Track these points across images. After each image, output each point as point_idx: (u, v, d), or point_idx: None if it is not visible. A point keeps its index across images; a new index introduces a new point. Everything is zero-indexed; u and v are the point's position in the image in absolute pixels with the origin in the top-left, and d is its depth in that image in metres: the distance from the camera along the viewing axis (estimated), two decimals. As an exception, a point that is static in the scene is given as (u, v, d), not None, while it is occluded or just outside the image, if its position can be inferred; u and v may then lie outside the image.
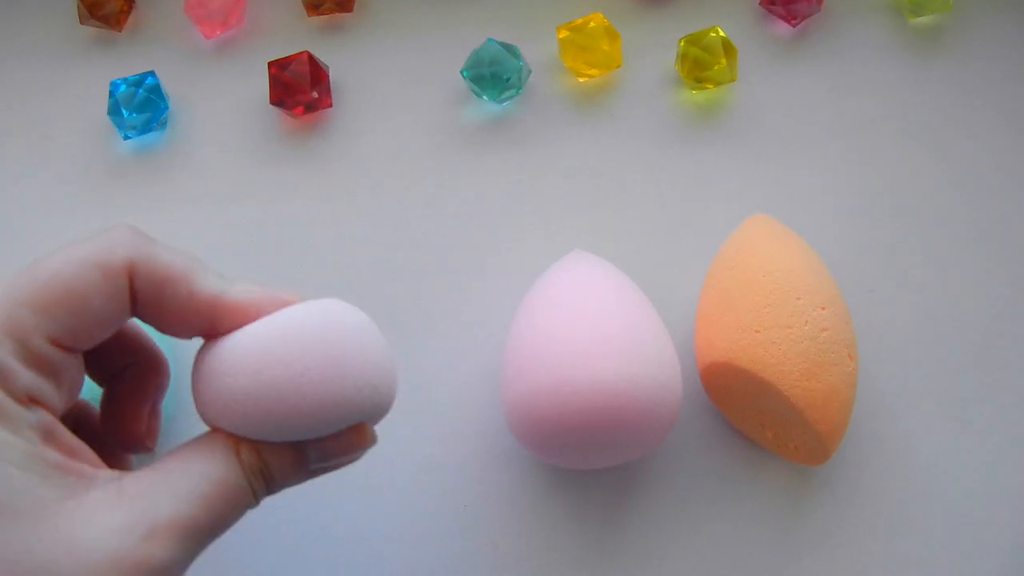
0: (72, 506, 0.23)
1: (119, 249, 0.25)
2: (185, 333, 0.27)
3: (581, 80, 0.43)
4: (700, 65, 0.41)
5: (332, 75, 0.42)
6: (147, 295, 0.26)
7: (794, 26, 0.43)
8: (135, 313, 0.26)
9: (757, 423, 0.36)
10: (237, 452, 0.26)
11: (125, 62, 0.43)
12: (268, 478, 0.26)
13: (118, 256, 0.25)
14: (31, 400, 0.24)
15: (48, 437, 0.24)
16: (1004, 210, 0.41)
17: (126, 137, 0.42)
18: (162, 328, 0.27)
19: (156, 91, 0.41)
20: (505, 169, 0.42)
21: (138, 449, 0.30)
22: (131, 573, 0.23)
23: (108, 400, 0.29)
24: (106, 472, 0.25)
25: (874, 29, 0.43)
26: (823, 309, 0.34)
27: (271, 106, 0.42)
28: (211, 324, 0.27)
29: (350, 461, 0.28)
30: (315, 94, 0.41)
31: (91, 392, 0.30)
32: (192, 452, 0.26)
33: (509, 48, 0.41)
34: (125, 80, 0.41)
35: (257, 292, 0.27)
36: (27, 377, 0.24)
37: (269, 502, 0.38)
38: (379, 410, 0.28)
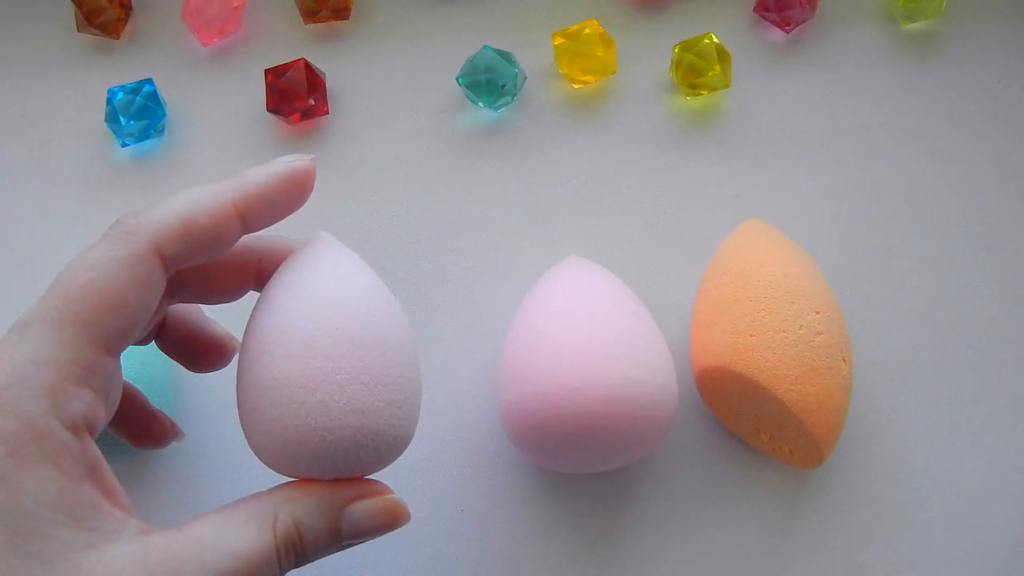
0: (94, 559, 0.23)
1: (141, 232, 0.25)
2: (236, 289, 0.28)
3: (576, 86, 0.43)
4: (694, 71, 0.41)
5: (328, 82, 0.42)
6: (184, 259, 0.25)
7: (788, 32, 0.43)
8: (179, 289, 0.26)
9: (752, 427, 0.36)
10: (274, 523, 0.25)
11: (123, 69, 0.44)
12: (299, 552, 0.26)
13: (142, 239, 0.24)
14: (83, 426, 0.23)
15: (90, 473, 0.23)
16: (998, 214, 0.41)
17: (124, 144, 0.42)
18: (212, 293, 0.28)
19: (153, 98, 0.42)
20: (501, 175, 0.42)
21: (169, 442, 0.30)
22: None
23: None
24: (135, 524, 0.24)
25: (867, 35, 0.43)
26: (818, 313, 0.34)
27: (268, 113, 0.42)
28: (257, 272, 0.27)
29: (380, 534, 0.27)
30: (311, 101, 0.41)
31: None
32: (227, 520, 0.25)
33: (505, 55, 0.41)
34: (123, 87, 0.41)
35: (282, 239, 0.28)
36: (80, 400, 0.23)
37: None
38: (406, 427, 0.27)
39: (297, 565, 0.26)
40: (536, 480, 0.38)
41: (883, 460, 0.38)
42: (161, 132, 0.42)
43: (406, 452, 0.38)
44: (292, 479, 0.27)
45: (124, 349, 0.25)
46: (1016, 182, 0.41)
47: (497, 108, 0.42)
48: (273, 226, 0.28)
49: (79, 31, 0.43)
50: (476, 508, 0.38)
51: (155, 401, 0.36)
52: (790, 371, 0.33)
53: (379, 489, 0.27)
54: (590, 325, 0.33)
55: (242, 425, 0.27)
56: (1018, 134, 0.42)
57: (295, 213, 0.43)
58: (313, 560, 0.26)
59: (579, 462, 0.34)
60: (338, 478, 0.27)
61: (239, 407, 0.27)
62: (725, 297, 0.35)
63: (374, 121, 0.43)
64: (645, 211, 0.41)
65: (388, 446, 0.27)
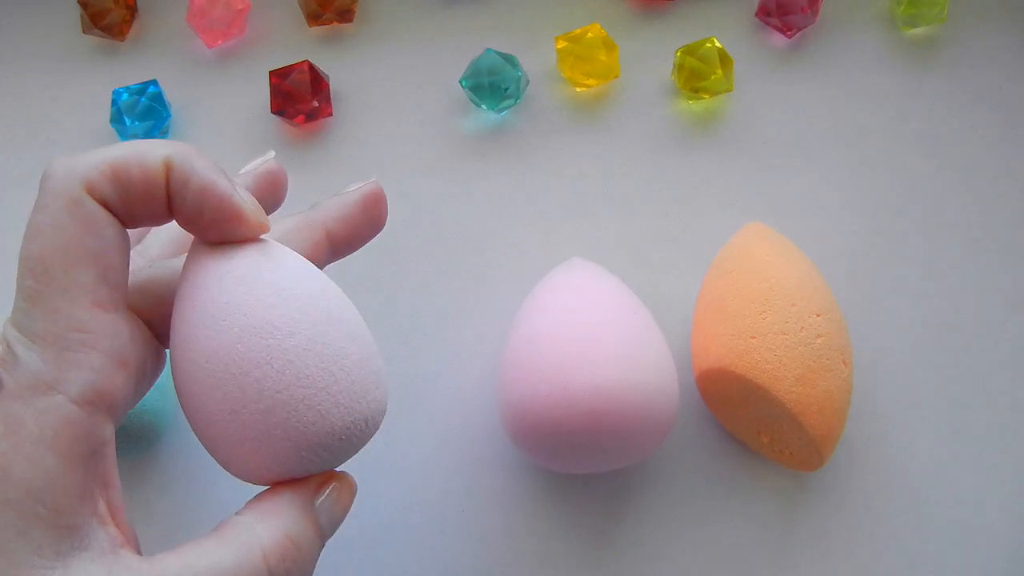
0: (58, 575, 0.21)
1: (71, 176, 0.23)
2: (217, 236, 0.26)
3: (579, 90, 0.43)
4: (696, 75, 0.41)
5: (332, 84, 0.43)
6: (118, 200, 0.24)
7: (789, 37, 0.43)
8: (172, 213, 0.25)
9: (753, 429, 0.36)
10: (260, 544, 0.24)
11: (128, 71, 0.44)
12: (300, 566, 0.25)
13: (73, 183, 0.23)
14: (95, 396, 0.22)
15: (90, 455, 0.22)
16: (999, 218, 0.41)
17: (128, 145, 0.42)
18: (200, 232, 0.25)
19: (158, 99, 0.42)
20: (503, 177, 0.42)
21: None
22: None
23: None
24: (109, 532, 0.23)
25: (869, 40, 0.44)
26: (818, 315, 0.34)
27: (272, 115, 0.42)
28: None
29: (346, 514, 0.27)
30: (315, 103, 0.41)
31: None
32: (201, 551, 0.23)
33: (508, 58, 0.41)
34: (128, 88, 0.42)
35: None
36: (86, 367, 0.22)
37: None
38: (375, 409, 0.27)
39: (300, 571, 0.25)
40: (537, 481, 0.38)
41: (883, 462, 0.38)
42: (165, 133, 0.43)
43: (407, 451, 0.38)
44: (263, 487, 0.26)
45: (120, 299, 0.24)
46: (1017, 186, 0.41)
47: (500, 111, 0.42)
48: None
49: (84, 32, 0.44)
50: (477, 508, 0.38)
51: (154, 397, 0.36)
52: (790, 373, 0.33)
53: (321, 477, 0.26)
54: (591, 326, 0.33)
55: (203, 442, 0.25)
56: (1019, 139, 0.42)
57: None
58: (311, 570, 0.25)
59: (580, 463, 0.35)
60: (311, 473, 0.26)
61: (193, 423, 0.25)
62: (726, 299, 0.35)
63: (377, 123, 0.43)
64: (647, 213, 0.41)
65: (355, 433, 0.26)
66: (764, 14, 0.43)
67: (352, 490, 0.27)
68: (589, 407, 0.32)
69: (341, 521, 0.27)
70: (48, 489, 0.21)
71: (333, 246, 0.27)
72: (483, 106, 0.42)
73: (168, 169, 0.24)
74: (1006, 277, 0.40)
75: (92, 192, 0.23)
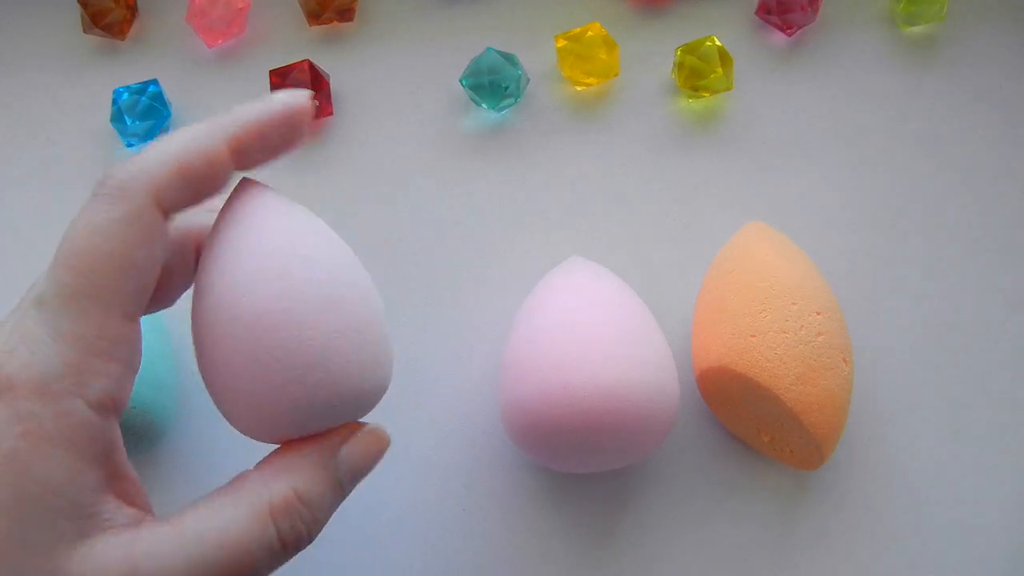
0: (83, 552, 0.22)
1: (135, 186, 0.23)
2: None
3: (579, 89, 0.43)
4: (696, 74, 0.41)
5: (332, 83, 0.43)
6: (182, 206, 0.24)
7: (789, 35, 0.43)
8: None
9: (753, 427, 0.36)
10: (269, 502, 0.24)
11: (128, 70, 0.44)
12: (309, 519, 0.24)
13: (138, 193, 0.23)
14: (109, 403, 0.23)
15: (104, 455, 0.23)
16: (999, 217, 0.41)
17: (129, 145, 0.42)
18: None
19: (159, 99, 0.42)
20: (503, 176, 0.42)
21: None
22: None
23: None
24: (129, 513, 0.23)
25: (868, 39, 0.44)
26: (818, 314, 0.34)
27: (272, 114, 0.42)
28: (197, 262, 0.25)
29: (374, 466, 0.27)
30: (316, 102, 0.41)
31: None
32: (215, 508, 0.24)
33: (508, 57, 0.41)
34: (128, 88, 0.42)
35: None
36: (106, 376, 0.23)
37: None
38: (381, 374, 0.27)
39: (310, 534, 0.25)
40: (537, 480, 0.38)
41: (883, 461, 0.38)
42: (166, 132, 0.43)
43: (407, 450, 0.38)
44: (274, 446, 0.26)
45: (143, 312, 0.24)
46: (1017, 185, 0.41)
47: (500, 110, 0.42)
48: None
49: (85, 32, 0.44)
50: (477, 507, 0.38)
51: (156, 396, 0.36)
52: (791, 371, 0.33)
53: (353, 426, 0.26)
54: (592, 325, 0.33)
55: (213, 399, 0.26)
56: (1019, 138, 0.42)
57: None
58: (324, 523, 0.25)
59: (580, 462, 0.35)
60: (319, 431, 0.26)
61: (206, 382, 0.26)
62: (726, 298, 0.35)
63: (378, 122, 0.43)
64: (647, 212, 0.41)
65: (365, 393, 0.26)
66: (764, 12, 0.43)
67: (382, 442, 0.27)
68: (589, 406, 0.32)
69: (365, 474, 0.26)
70: (67, 486, 0.22)
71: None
72: (483, 105, 0.42)
73: (234, 151, 0.24)
74: (1006, 276, 0.40)
75: (161, 202, 0.23)
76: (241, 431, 0.26)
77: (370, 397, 0.27)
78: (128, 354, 0.23)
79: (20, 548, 0.21)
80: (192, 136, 0.24)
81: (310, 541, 0.25)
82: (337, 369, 0.25)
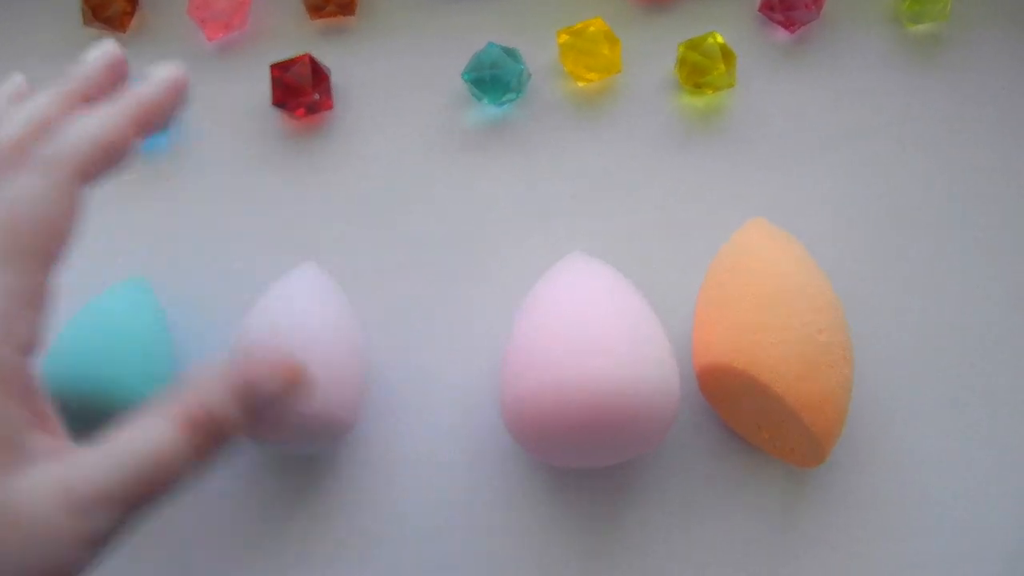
0: (19, 482, 0.24)
1: (63, 160, 0.26)
2: None
3: (581, 84, 0.43)
4: (699, 70, 0.41)
5: (333, 78, 0.43)
6: (100, 178, 0.27)
7: (792, 32, 0.43)
8: None
9: (753, 425, 0.36)
10: (180, 413, 0.26)
11: (129, 63, 0.43)
12: (215, 432, 0.26)
13: (64, 167, 0.26)
14: (28, 345, 0.25)
15: (26, 393, 0.25)
16: (1001, 216, 0.41)
17: (129, 137, 0.42)
18: None
19: (159, 92, 0.42)
20: (505, 172, 0.42)
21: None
22: (68, 546, 0.24)
23: None
24: (56, 444, 0.26)
25: (872, 37, 0.44)
26: (819, 312, 0.34)
27: (273, 108, 0.42)
28: None
29: (283, 391, 0.28)
30: (316, 96, 0.41)
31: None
32: (139, 424, 0.26)
33: (510, 52, 0.41)
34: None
35: None
36: (27, 321, 0.25)
37: (263, 500, 0.38)
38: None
39: (217, 445, 0.26)
40: (537, 475, 0.38)
41: (883, 459, 0.38)
42: (167, 126, 0.43)
43: (408, 447, 0.38)
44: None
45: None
46: (1020, 184, 0.41)
47: (502, 105, 0.42)
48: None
49: (86, 24, 0.43)
50: (477, 503, 0.38)
51: (155, 393, 0.36)
52: (791, 369, 0.33)
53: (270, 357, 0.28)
54: (593, 321, 0.33)
55: None
56: (1022, 136, 0.42)
57: (296, 214, 0.43)
58: (233, 435, 0.27)
59: (580, 458, 0.34)
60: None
61: None
62: (728, 295, 0.35)
63: (379, 116, 0.43)
64: (648, 208, 0.41)
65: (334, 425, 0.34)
66: (767, 9, 0.43)
67: (290, 371, 0.28)
68: (590, 402, 0.32)
69: (271, 398, 0.27)
70: (2, 422, 0.24)
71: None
72: (485, 100, 0.42)
73: (136, 125, 0.29)
74: (1009, 274, 0.40)
75: (84, 174, 0.27)
76: None
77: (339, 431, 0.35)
78: (44, 302, 0.26)
79: None
80: (106, 117, 0.28)
81: (222, 451, 0.27)
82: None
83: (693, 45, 0.41)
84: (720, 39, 0.41)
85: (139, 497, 0.25)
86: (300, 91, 0.41)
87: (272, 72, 0.42)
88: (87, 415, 0.31)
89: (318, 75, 0.41)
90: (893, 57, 0.43)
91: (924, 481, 0.38)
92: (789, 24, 0.43)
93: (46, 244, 0.26)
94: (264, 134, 0.42)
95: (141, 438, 0.25)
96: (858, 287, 0.40)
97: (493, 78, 0.41)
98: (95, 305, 0.37)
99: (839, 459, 0.38)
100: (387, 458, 0.38)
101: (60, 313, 0.29)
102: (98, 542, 0.24)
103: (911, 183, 0.41)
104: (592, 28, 0.42)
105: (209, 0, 0.43)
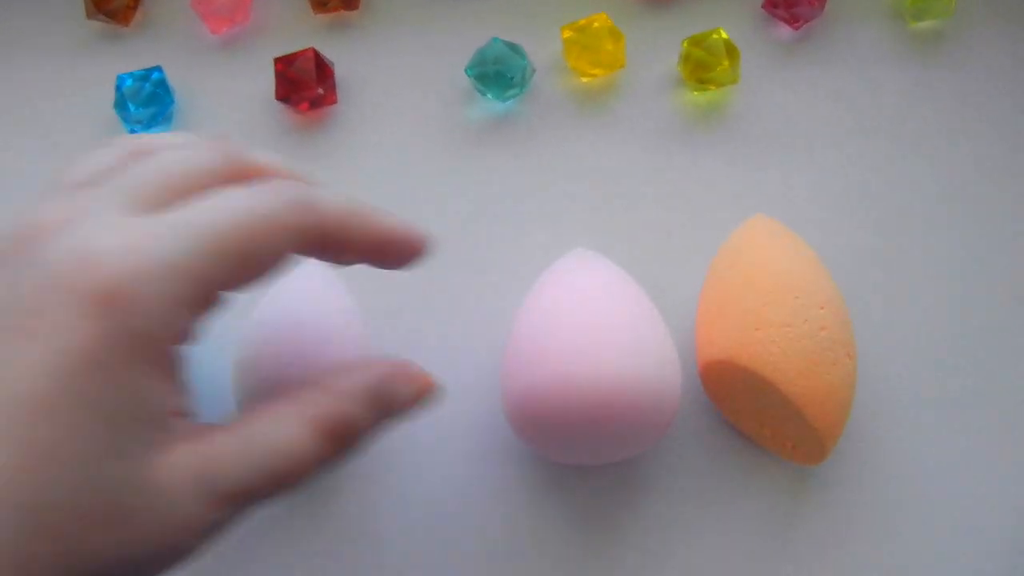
0: (160, 460, 0.24)
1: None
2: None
3: (584, 80, 0.43)
4: (702, 66, 0.41)
5: (337, 72, 0.43)
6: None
7: (796, 29, 0.43)
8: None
9: (755, 421, 0.36)
10: (314, 415, 0.26)
11: (132, 56, 0.44)
12: (348, 437, 0.27)
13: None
14: (184, 334, 0.25)
15: (175, 372, 0.25)
16: (1004, 214, 0.41)
17: (132, 131, 0.42)
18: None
19: (162, 85, 0.42)
20: (508, 167, 0.42)
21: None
22: (194, 534, 0.24)
23: None
24: (190, 423, 0.26)
25: (875, 33, 0.43)
26: (822, 308, 0.34)
27: (276, 102, 0.42)
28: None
29: (417, 405, 0.29)
30: (320, 90, 0.41)
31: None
32: (274, 418, 0.26)
33: (514, 47, 0.41)
34: (131, 74, 0.42)
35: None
36: (188, 316, 0.25)
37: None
38: None
39: (346, 452, 0.27)
40: (539, 471, 0.38)
41: (886, 457, 0.38)
42: (169, 119, 0.43)
43: (408, 442, 0.38)
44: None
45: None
46: (1023, 181, 0.41)
47: (505, 100, 0.42)
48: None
49: (88, 18, 0.43)
50: (478, 498, 0.38)
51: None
52: (794, 365, 0.33)
53: (402, 365, 0.29)
54: (595, 317, 0.33)
55: None
56: (1025, 134, 0.42)
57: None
58: (363, 441, 0.28)
59: (581, 453, 0.35)
60: None
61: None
62: (730, 291, 0.35)
63: (382, 111, 0.43)
64: (651, 204, 0.41)
65: None
66: (771, 6, 0.43)
67: (425, 383, 0.29)
68: (592, 398, 0.32)
69: (405, 405, 0.29)
70: (154, 398, 0.24)
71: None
72: (488, 95, 0.42)
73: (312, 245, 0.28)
74: (1011, 272, 0.40)
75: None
76: None
77: None
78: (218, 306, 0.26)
79: (114, 456, 0.23)
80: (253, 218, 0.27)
81: (354, 456, 0.28)
82: None
83: (697, 41, 0.41)
84: (724, 35, 0.41)
85: (267, 495, 0.25)
86: (304, 85, 0.41)
87: (276, 66, 0.42)
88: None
89: (322, 69, 0.41)
90: (897, 54, 0.43)
91: (926, 479, 0.38)
92: (793, 21, 0.43)
93: (227, 276, 0.26)
94: (267, 128, 0.42)
95: (277, 438, 0.26)
96: (861, 284, 0.40)
97: (497, 73, 0.41)
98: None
99: (841, 457, 0.38)
100: (387, 453, 0.38)
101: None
102: (218, 531, 0.25)
103: (915, 180, 0.41)
104: (596, 24, 0.42)
105: (213, -6, 0.43)
